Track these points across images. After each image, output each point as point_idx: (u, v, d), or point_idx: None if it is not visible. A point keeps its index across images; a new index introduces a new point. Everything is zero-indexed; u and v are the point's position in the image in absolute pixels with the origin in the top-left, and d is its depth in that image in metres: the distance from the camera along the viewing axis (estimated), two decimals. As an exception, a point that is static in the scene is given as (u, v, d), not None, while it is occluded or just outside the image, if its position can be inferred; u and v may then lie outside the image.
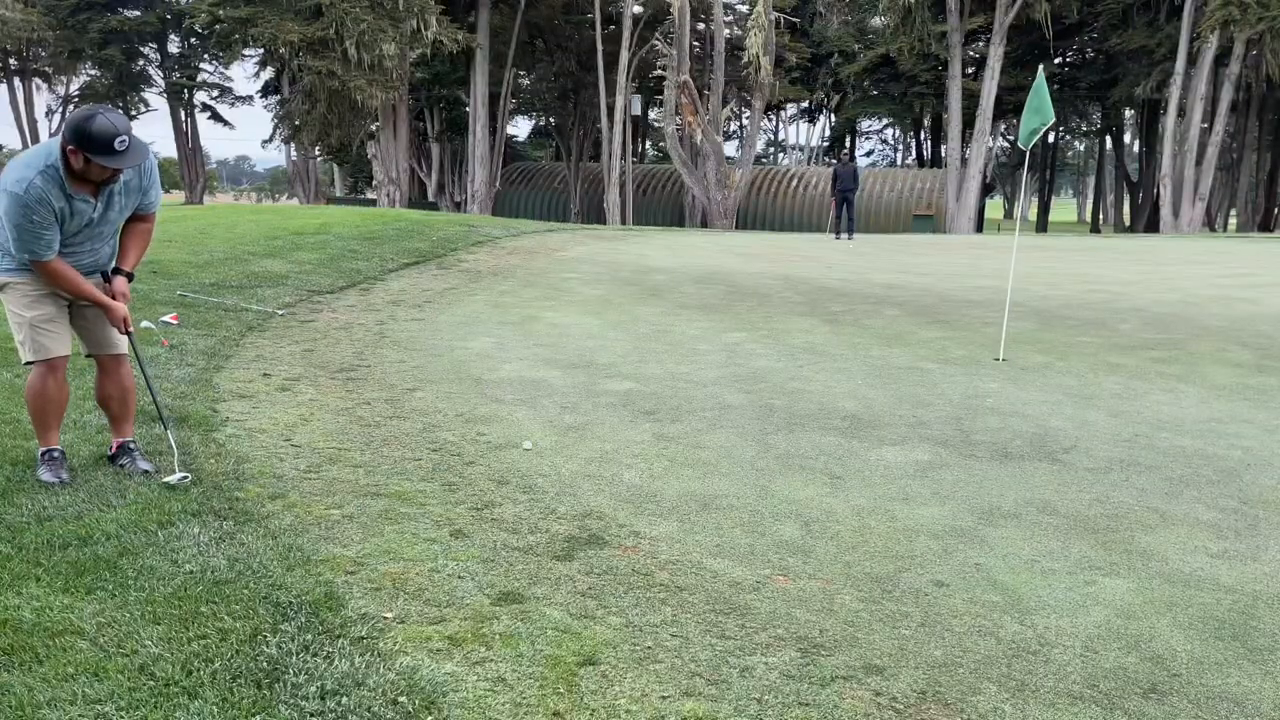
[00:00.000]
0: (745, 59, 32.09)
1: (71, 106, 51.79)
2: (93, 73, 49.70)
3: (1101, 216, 61.28)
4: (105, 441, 4.48)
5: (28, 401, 4.15)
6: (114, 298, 4.09)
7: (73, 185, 3.77)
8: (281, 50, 30.66)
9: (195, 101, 50.72)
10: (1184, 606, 3.58)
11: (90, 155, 3.65)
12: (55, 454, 4.16)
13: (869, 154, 68.41)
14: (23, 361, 4.13)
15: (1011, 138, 57.44)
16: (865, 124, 58.54)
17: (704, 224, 33.03)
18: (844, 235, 21.16)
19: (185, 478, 4.13)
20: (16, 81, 47.58)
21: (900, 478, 4.93)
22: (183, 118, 50.58)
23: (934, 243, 21.86)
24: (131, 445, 4.36)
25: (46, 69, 48.99)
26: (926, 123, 50.99)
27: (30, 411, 4.16)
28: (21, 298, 3.99)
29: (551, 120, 47.31)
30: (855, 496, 4.63)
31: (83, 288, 3.99)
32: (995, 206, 75.11)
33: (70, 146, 3.66)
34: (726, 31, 36.75)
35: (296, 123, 34.00)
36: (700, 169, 32.64)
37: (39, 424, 4.16)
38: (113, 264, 4.16)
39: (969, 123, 34.24)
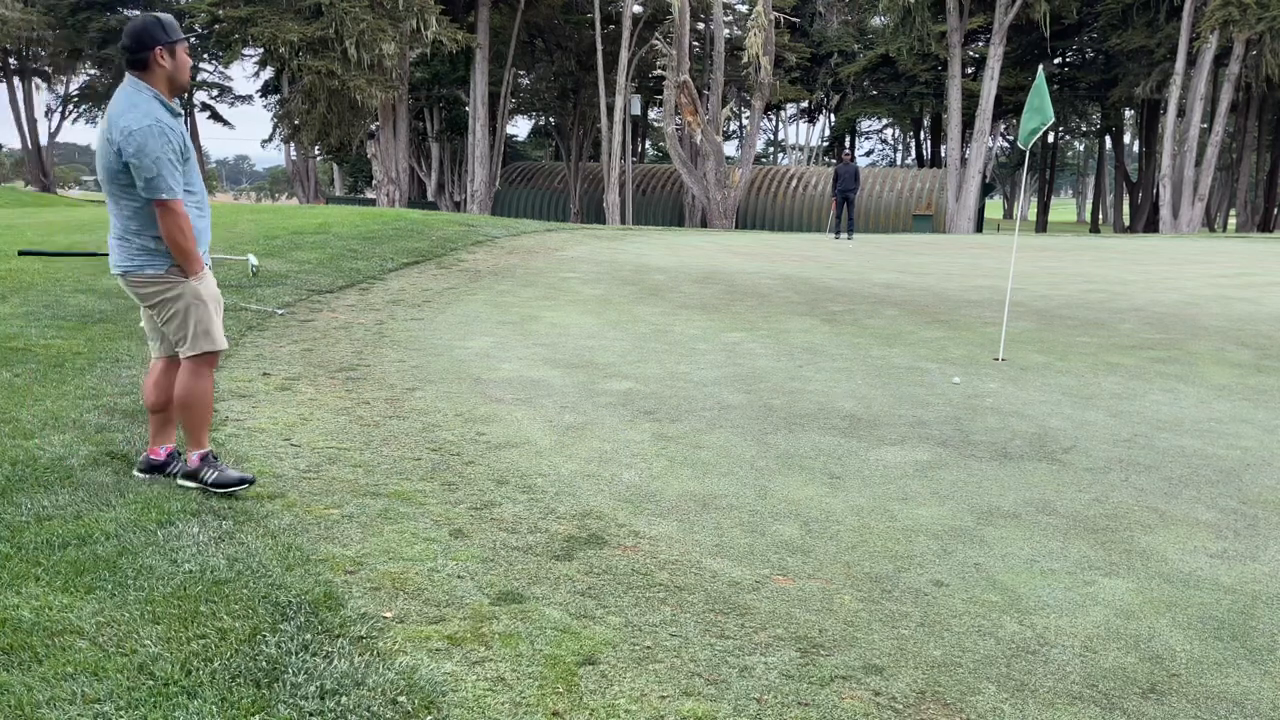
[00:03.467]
0: (745, 59, 32.09)
1: (71, 106, 51.86)
2: (92, 72, 49.70)
3: (1101, 216, 61.32)
4: (106, 441, 4.48)
5: (196, 400, 3.87)
6: None
7: (170, 101, 3.78)
8: (281, 50, 30.63)
9: (195, 101, 50.72)
10: (1183, 606, 3.59)
11: (180, 36, 3.70)
12: (214, 453, 4.05)
13: (869, 154, 68.56)
14: (195, 351, 3.86)
15: (1011, 138, 57.49)
16: (865, 124, 58.64)
17: (704, 224, 33.04)
18: (844, 235, 21.17)
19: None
20: (16, 81, 47.58)
21: (900, 478, 4.93)
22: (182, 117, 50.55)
23: (933, 242, 21.86)
24: (182, 454, 4.15)
25: (46, 68, 49.01)
26: (926, 123, 51.05)
27: (197, 411, 3.89)
28: (197, 282, 3.86)
29: (551, 120, 47.34)
30: (855, 496, 4.63)
31: (194, 247, 3.84)
32: (995, 206, 75.20)
33: (159, 49, 3.65)
34: (726, 31, 36.77)
35: (296, 122, 33.98)
36: (700, 169, 32.65)
37: (202, 424, 3.92)
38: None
39: (969, 123, 34.26)
